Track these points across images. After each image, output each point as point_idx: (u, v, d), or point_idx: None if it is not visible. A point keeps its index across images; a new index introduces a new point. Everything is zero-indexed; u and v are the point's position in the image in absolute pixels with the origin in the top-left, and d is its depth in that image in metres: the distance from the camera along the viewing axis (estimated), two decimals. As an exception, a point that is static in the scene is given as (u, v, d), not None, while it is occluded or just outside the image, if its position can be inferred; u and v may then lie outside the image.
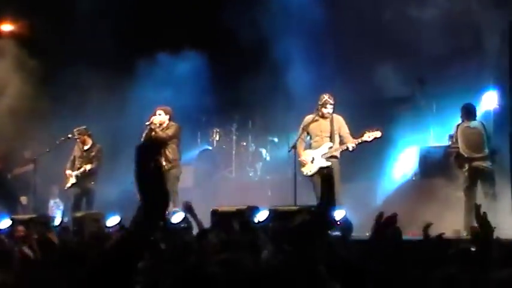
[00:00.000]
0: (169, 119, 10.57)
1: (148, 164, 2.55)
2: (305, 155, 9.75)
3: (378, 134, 9.56)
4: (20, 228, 7.83)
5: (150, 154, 2.56)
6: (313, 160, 9.68)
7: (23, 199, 13.24)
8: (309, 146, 9.86)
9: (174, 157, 10.43)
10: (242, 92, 13.10)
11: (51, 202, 13.86)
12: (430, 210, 9.49)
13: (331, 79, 11.61)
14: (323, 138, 9.73)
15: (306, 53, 12.29)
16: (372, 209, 10.56)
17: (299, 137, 9.88)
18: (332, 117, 9.75)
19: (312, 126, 9.79)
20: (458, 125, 9.47)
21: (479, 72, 11.44)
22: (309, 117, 9.84)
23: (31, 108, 13.53)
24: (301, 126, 9.89)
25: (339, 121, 9.79)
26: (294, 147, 9.93)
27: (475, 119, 9.47)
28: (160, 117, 10.50)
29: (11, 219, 9.00)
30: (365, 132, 9.56)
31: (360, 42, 12.30)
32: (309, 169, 9.68)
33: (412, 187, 11.26)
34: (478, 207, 4.42)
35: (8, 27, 14.53)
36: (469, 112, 9.46)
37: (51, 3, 13.41)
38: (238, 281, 3.17)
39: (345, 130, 9.75)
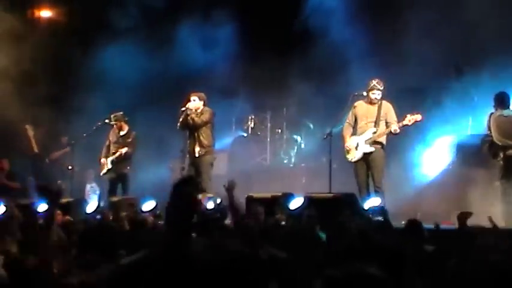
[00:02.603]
0: (204, 105, 10.60)
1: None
2: (350, 141, 9.70)
3: (418, 117, 9.49)
4: (58, 212, 7.92)
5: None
6: (358, 146, 9.64)
7: (60, 183, 13.41)
8: (355, 132, 9.79)
9: (208, 143, 10.46)
10: (278, 78, 13.03)
11: (88, 186, 14.03)
12: (467, 199, 9.37)
13: (367, 66, 11.47)
14: (368, 123, 9.66)
15: (343, 39, 12.16)
16: (407, 198, 10.49)
17: (347, 121, 9.83)
18: (381, 103, 9.65)
19: (360, 111, 9.74)
20: (491, 114, 9.32)
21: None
22: (358, 102, 9.78)
23: (68, 93, 13.70)
24: (351, 110, 9.83)
25: (387, 107, 9.68)
26: (330, 134, 9.88)
27: (508, 108, 9.30)
28: (194, 103, 10.53)
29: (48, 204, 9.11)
30: (406, 116, 9.51)
31: (398, 28, 12.14)
32: (353, 155, 9.64)
33: (449, 176, 11.11)
34: None
35: (45, 13, 14.70)
36: (502, 100, 9.29)
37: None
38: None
39: (392, 117, 9.64)
